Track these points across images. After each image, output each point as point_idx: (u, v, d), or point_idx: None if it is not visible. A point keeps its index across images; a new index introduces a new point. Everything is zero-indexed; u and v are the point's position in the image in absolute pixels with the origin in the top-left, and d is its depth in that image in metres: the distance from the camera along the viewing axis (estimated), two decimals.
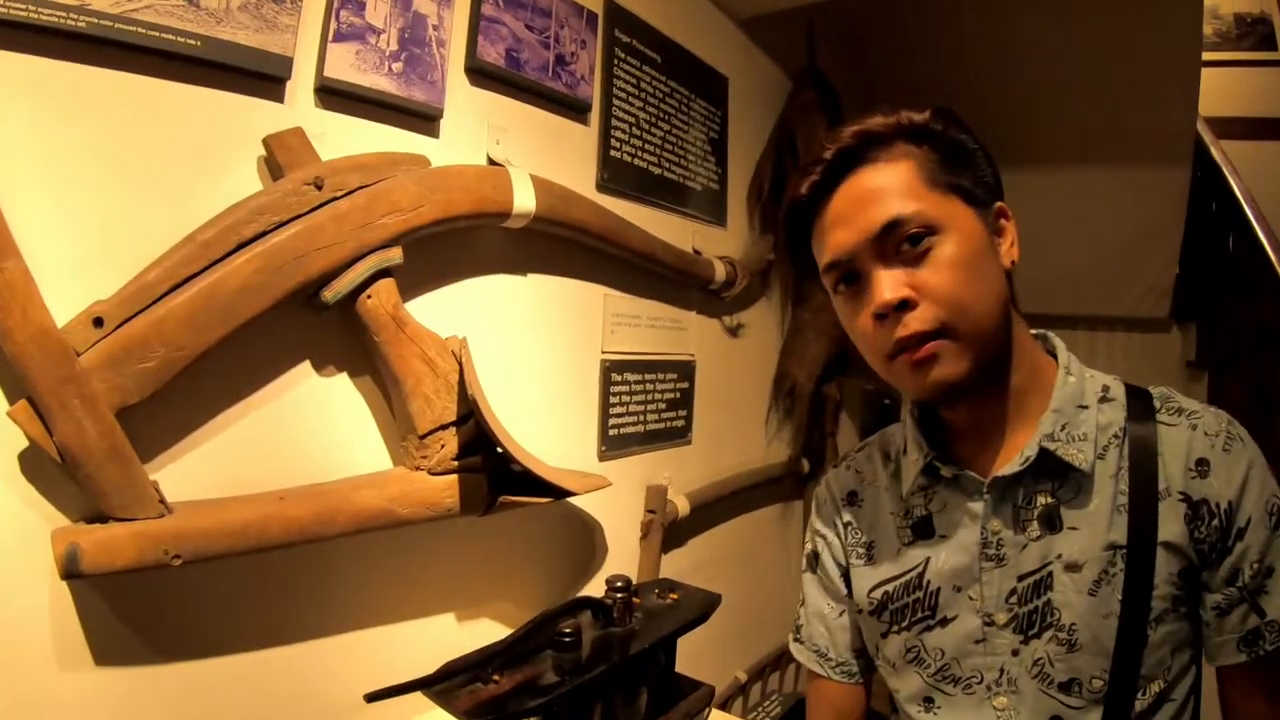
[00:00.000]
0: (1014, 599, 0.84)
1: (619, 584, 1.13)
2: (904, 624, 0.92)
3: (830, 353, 2.35)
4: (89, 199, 0.91)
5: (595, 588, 1.61)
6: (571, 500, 1.45)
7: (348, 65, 1.12)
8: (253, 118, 1.05)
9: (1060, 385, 0.85)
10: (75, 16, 0.86)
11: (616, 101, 1.64)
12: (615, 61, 1.63)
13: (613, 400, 1.67)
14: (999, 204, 0.86)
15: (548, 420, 1.51)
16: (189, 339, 0.93)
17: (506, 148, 1.36)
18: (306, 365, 1.12)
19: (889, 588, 0.94)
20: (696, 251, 1.89)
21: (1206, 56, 2.49)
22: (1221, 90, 3.36)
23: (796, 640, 1.07)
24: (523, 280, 1.43)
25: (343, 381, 1.17)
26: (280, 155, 1.04)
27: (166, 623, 1.00)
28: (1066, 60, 2.45)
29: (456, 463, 1.19)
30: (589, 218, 1.44)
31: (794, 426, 2.44)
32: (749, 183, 2.21)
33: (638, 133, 1.71)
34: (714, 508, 2.03)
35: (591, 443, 1.63)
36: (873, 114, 0.84)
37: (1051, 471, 0.83)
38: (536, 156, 1.43)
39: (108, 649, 0.94)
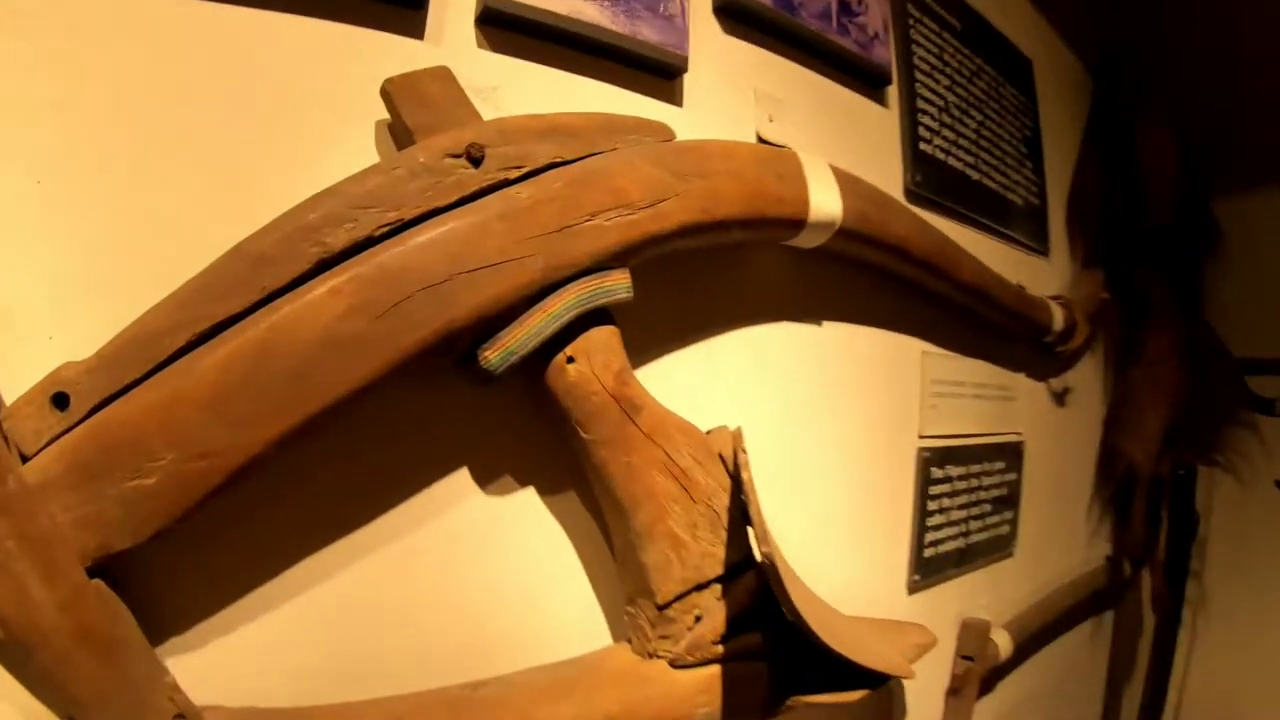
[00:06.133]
0: None
1: None
2: None
3: (1170, 421, 1.77)
4: (90, 186, 0.51)
5: None
6: None
7: None
8: (372, 63, 0.62)
9: None
10: None
11: (919, 75, 1.12)
12: (909, 21, 1.11)
13: (930, 506, 1.13)
14: None
15: (838, 539, 0.99)
16: (221, 437, 0.49)
17: (782, 126, 0.85)
18: (460, 479, 0.65)
19: None
20: (1020, 288, 1.31)
21: None
22: None
23: None
24: (810, 330, 0.93)
25: (522, 504, 0.69)
26: (407, 110, 0.59)
27: None
28: None
29: (720, 648, 0.68)
30: (911, 234, 0.90)
31: (1126, 520, 1.80)
32: (1066, 200, 1.64)
33: (948, 121, 1.17)
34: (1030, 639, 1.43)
35: (900, 568, 1.10)
36: None
37: None
38: (819, 143, 0.92)
39: None
